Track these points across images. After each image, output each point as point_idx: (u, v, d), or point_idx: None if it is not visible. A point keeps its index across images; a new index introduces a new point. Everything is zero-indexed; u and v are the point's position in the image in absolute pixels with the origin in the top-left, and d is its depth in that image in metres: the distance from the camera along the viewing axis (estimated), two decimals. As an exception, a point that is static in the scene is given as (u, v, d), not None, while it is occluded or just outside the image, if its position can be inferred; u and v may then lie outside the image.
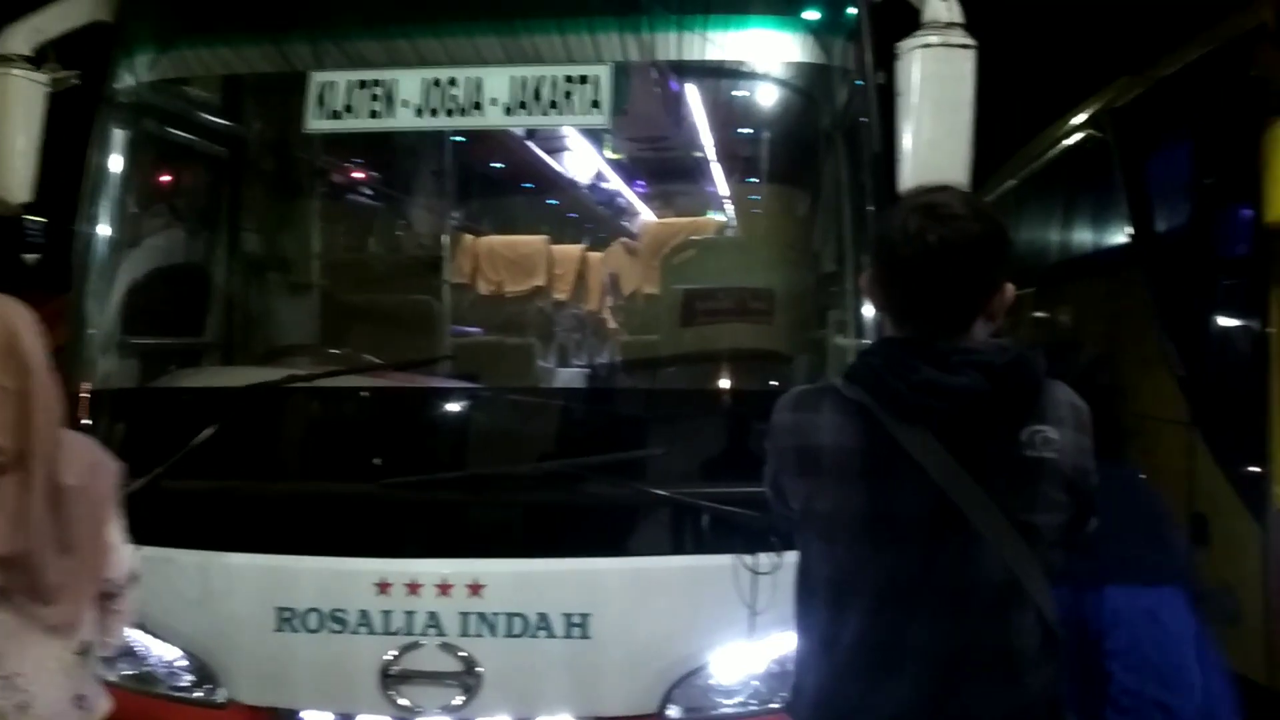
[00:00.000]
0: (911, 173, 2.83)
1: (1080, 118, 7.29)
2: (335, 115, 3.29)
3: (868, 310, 3.27)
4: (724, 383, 3.57)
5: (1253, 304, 4.82)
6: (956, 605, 1.75)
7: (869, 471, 1.76)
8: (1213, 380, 5.32)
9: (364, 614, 2.98)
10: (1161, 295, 5.85)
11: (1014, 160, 8.59)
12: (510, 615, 2.96)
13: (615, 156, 4.69)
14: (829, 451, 1.78)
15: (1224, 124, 5.20)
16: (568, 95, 3.20)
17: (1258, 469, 4.70)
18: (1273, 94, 4.41)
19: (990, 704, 1.75)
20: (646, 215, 5.30)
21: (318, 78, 3.33)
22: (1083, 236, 7.39)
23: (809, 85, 3.48)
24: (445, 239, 4.51)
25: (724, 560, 2.88)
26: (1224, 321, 5.38)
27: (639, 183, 5.03)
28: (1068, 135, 7.52)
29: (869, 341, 3.36)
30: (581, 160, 4.73)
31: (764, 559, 2.83)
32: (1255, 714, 4.92)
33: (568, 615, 2.95)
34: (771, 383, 3.45)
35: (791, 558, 2.81)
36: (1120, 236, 6.46)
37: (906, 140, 2.87)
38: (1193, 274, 5.55)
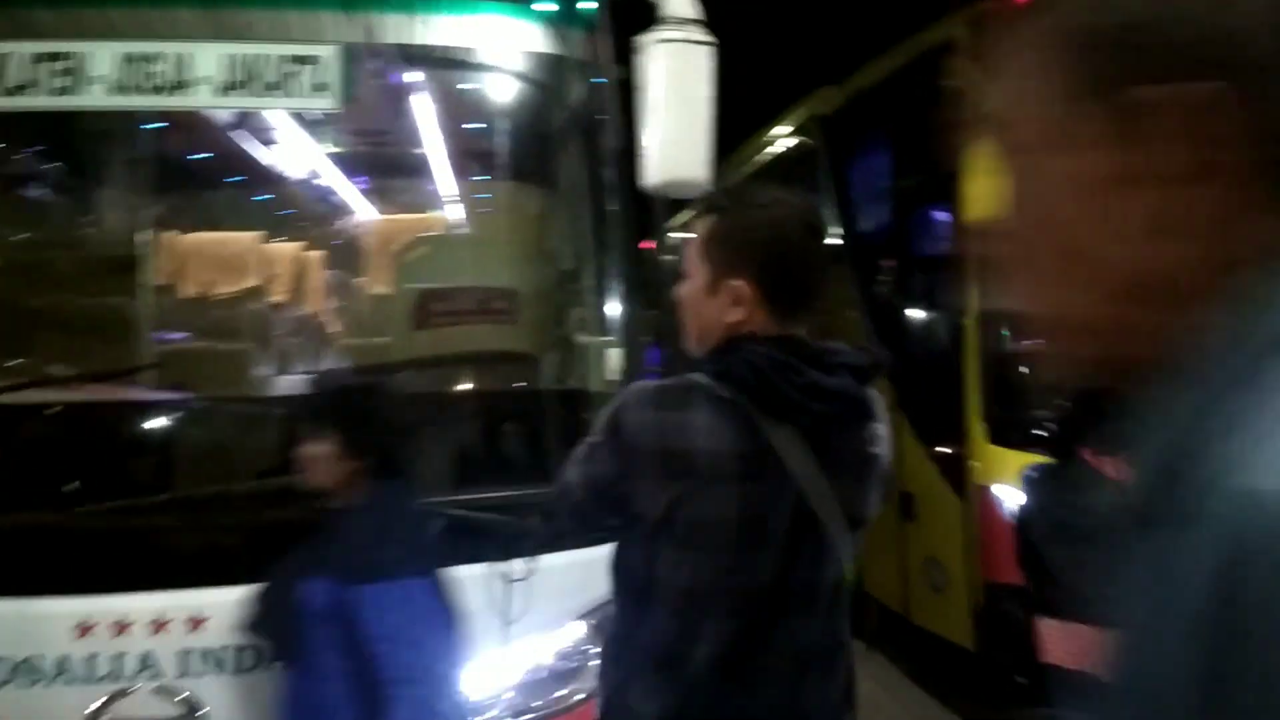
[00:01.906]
0: (654, 169, 2.82)
1: (791, 124, 7.70)
2: (12, 91, 2.87)
3: (611, 308, 3.25)
4: (468, 385, 3.43)
5: (952, 297, 5.25)
6: (807, 605, 1.76)
7: (743, 475, 1.69)
8: (916, 368, 5.76)
9: (63, 661, 2.60)
10: (868, 290, 6.28)
11: (731, 160, 8.96)
12: (239, 649, 2.69)
13: (340, 149, 4.42)
14: (705, 455, 1.69)
15: (921, 132, 5.63)
16: (290, 76, 2.95)
17: (958, 449, 5.12)
18: (965, 104, 4.80)
19: (826, 695, 1.80)
20: (374, 211, 5.04)
21: (-12, 47, 2.89)
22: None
23: (548, 78, 3.40)
24: (145, 235, 4.07)
25: (475, 570, 2.75)
26: (925, 314, 5.85)
27: (366, 177, 4.76)
28: (780, 139, 7.92)
29: (613, 339, 3.35)
30: (302, 151, 4.41)
31: (517, 565, 2.73)
32: (961, 678, 5.40)
33: (306, 642, 2.71)
34: (516, 384, 3.35)
35: (549, 562, 2.74)
36: (830, 236, 6.88)
37: (648, 136, 2.84)
38: (896, 270, 6.00)
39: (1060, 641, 3.63)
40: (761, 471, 1.68)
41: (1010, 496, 4.79)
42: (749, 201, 1.83)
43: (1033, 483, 3.91)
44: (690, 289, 1.85)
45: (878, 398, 1.86)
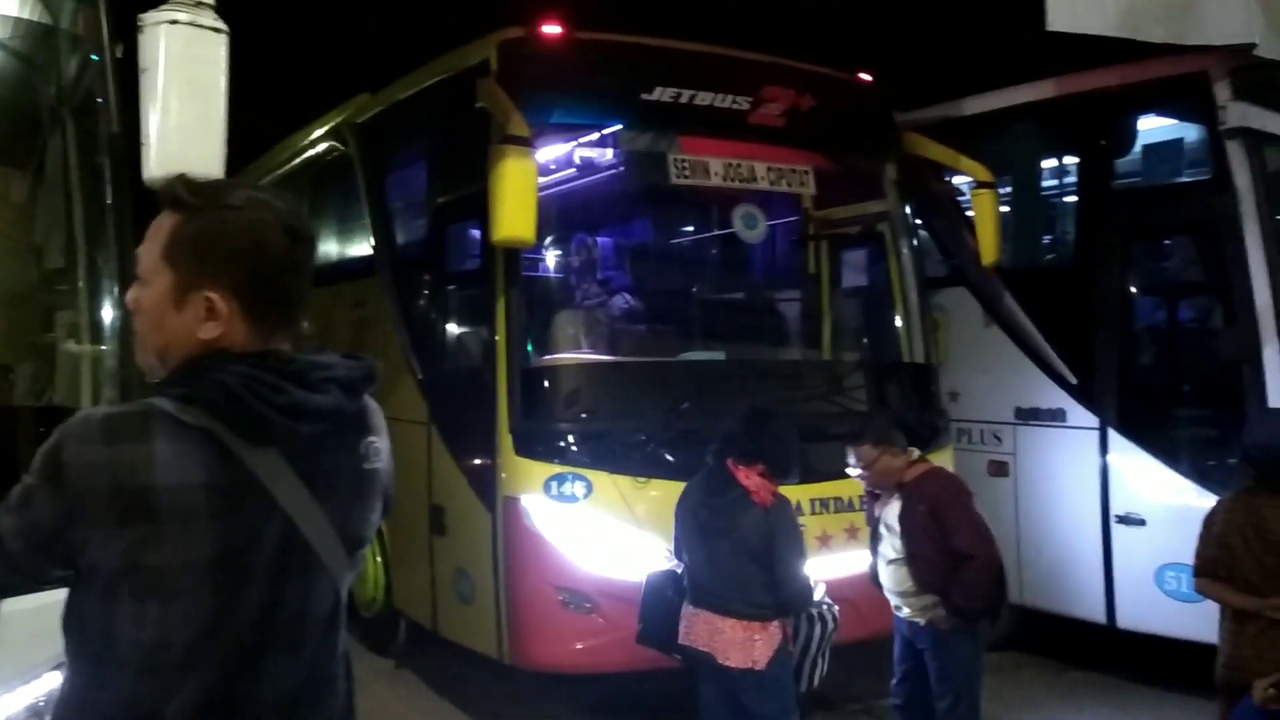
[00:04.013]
0: (158, 160, 2.56)
1: (323, 129, 7.45)
2: None
3: (107, 312, 2.90)
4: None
5: (482, 314, 5.35)
6: (296, 640, 1.60)
7: (217, 510, 1.51)
8: (449, 382, 5.80)
9: None
10: (402, 304, 6.23)
11: (256, 165, 8.48)
12: None
13: None
14: (169, 491, 1.48)
15: (454, 149, 5.71)
16: None
17: (487, 461, 5.22)
18: (494, 126, 4.93)
19: None
20: None
21: None
22: (327, 246, 7.57)
23: (26, 47, 2.97)
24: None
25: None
26: (458, 329, 5.91)
27: None
28: (312, 145, 7.64)
29: (106, 348, 2.99)
30: None
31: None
32: (489, 689, 5.52)
33: None
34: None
35: (14, 606, 2.35)
36: (364, 247, 6.74)
37: (152, 124, 2.58)
38: (429, 285, 6.00)
39: (691, 625, 4.05)
40: (239, 504, 1.53)
41: (536, 506, 4.97)
42: (223, 201, 1.62)
43: (692, 482, 4.26)
44: (150, 297, 1.61)
45: (375, 410, 1.79)
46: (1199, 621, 4.28)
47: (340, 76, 7.21)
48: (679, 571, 4.28)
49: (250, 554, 1.54)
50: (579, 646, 4.94)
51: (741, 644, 3.93)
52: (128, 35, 2.69)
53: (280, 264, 1.61)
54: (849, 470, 4.44)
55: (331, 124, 7.29)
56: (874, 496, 4.46)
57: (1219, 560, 3.82)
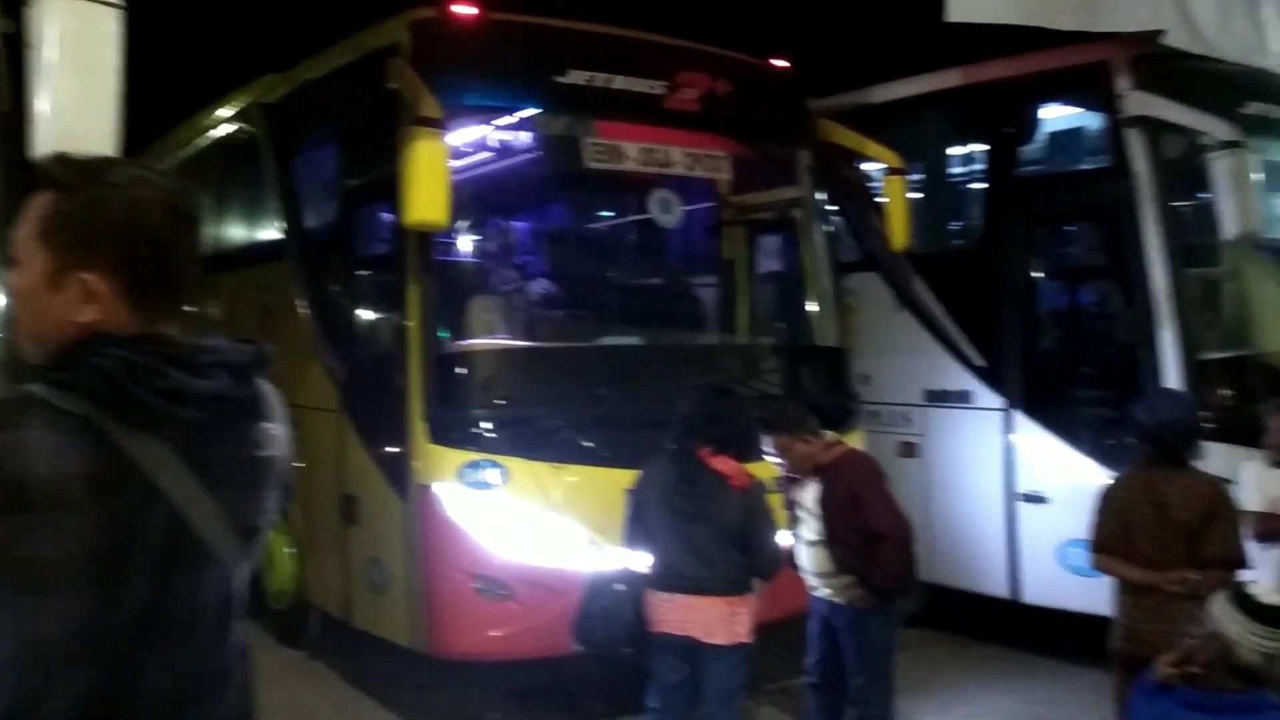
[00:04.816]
0: (49, 138, 2.46)
1: (230, 109, 7.24)
2: None
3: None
4: None
5: (395, 299, 5.26)
6: (186, 632, 1.55)
7: (95, 500, 1.44)
8: (360, 369, 5.70)
9: None
10: (312, 289, 6.09)
11: (159, 146, 8.21)
12: None
13: None
14: (45, 481, 1.41)
15: (365, 131, 5.59)
16: None
17: (400, 449, 5.15)
18: (405, 107, 4.84)
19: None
20: None
21: None
22: (233, 229, 7.37)
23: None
24: None
25: None
26: (369, 315, 5.80)
27: None
28: (217, 126, 7.42)
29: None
30: None
31: None
32: (403, 679, 5.45)
33: None
34: None
35: None
36: (272, 231, 6.57)
37: (42, 101, 2.47)
38: (340, 270, 5.88)
39: (667, 611, 4.05)
40: (119, 493, 1.47)
41: (451, 494, 4.92)
42: (101, 178, 1.56)
43: (652, 469, 4.23)
44: (25, 280, 1.55)
45: (271, 395, 1.73)
46: (1099, 596, 4.43)
47: (247, 55, 6.98)
48: (621, 565, 4.29)
49: (132, 545, 1.48)
50: (494, 634, 4.91)
51: (726, 620, 4.01)
52: (16, 10, 2.58)
53: (162, 243, 1.55)
54: (767, 458, 4.48)
55: (239, 104, 7.09)
56: (791, 480, 4.51)
57: (1115, 535, 3.96)
